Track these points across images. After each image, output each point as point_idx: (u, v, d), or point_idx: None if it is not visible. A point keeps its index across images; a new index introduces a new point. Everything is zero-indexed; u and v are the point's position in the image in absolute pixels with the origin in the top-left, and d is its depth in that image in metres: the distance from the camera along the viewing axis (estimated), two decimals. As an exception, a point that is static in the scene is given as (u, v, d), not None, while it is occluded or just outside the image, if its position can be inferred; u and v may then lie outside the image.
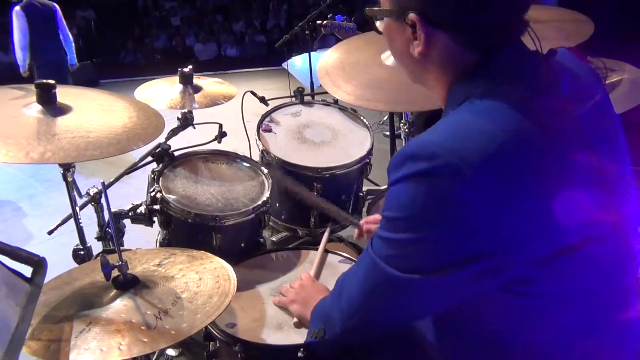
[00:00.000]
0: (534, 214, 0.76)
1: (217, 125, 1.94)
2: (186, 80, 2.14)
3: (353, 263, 1.57)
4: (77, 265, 1.66)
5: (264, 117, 2.10)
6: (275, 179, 1.79)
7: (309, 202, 1.65)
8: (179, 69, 2.16)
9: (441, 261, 0.79)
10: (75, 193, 1.63)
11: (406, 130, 2.38)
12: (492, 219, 0.75)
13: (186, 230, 1.69)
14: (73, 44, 5.61)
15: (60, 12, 5.41)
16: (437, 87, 0.93)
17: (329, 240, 1.77)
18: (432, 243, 0.79)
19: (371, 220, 1.45)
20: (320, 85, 2.16)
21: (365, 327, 0.96)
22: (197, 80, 2.19)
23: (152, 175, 1.74)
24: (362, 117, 2.15)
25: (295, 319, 1.30)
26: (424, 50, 0.87)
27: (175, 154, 1.81)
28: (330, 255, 1.62)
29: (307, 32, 3.28)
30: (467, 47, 0.86)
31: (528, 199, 0.76)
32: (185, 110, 1.90)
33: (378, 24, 0.98)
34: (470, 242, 0.77)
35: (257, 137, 2.00)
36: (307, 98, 2.26)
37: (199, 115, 1.95)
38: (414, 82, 1.01)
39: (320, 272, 1.52)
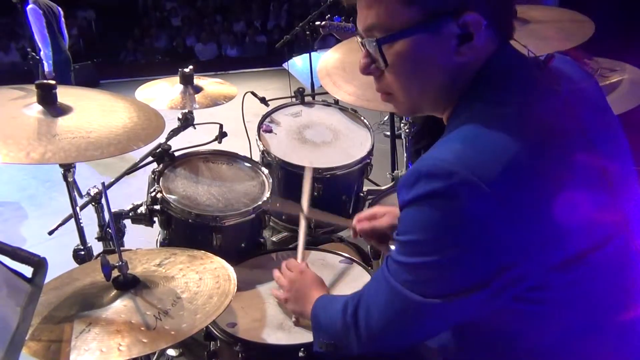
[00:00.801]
0: (547, 221, 0.75)
1: (218, 125, 1.94)
2: (187, 80, 2.13)
3: (353, 263, 1.57)
4: (77, 265, 1.66)
5: (264, 117, 2.10)
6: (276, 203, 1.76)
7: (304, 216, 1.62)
8: (180, 70, 2.16)
9: (465, 282, 0.78)
10: (75, 193, 1.63)
11: (407, 130, 2.37)
12: (510, 231, 0.74)
13: (186, 231, 1.69)
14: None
15: (62, 15, 5.43)
16: (448, 104, 0.89)
17: (330, 240, 1.77)
18: (454, 265, 0.77)
19: (363, 217, 1.41)
20: (321, 86, 2.16)
21: (385, 348, 0.94)
22: (198, 80, 2.19)
23: (153, 176, 1.74)
24: (362, 118, 2.15)
25: (294, 318, 1.30)
26: (477, 53, 0.82)
27: (176, 154, 1.81)
28: (330, 255, 1.62)
29: (307, 32, 3.28)
30: (495, 39, 0.84)
31: (542, 206, 0.75)
32: (186, 110, 1.90)
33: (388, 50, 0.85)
34: (491, 258, 0.76)
35: (257, 137, 2.00)
36: (307, 98, 2.26)
37: (199, 115, 1.95)
38: (417, 110, 0.93)
39: (305, 256, 1.51)
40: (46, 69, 5.24)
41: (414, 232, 0.80)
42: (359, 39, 0.91)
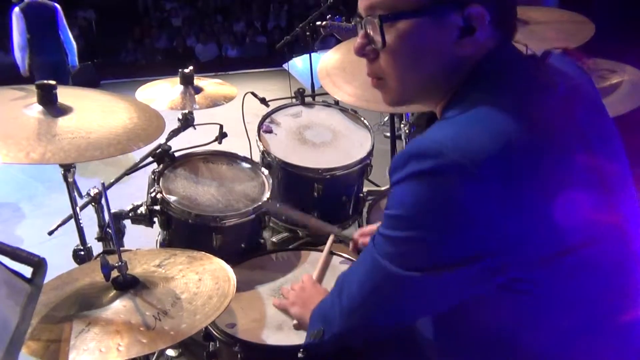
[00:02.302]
0: (536, 213, 0.76)
1: (218, 126, 1.95)
2: (187, 81, 2.13)
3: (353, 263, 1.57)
4: (77, 265, 1.66)
5: (264, 118, 2.10)
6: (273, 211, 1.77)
7: (303, 224, 1.65)
8: (180, 70, 2.15)
9: (444, 259, 0.79)
10: (75, 193, 1.63)
11: (407, 131, 2.38)
12: (496, 217, 0.75)
13: (186, 231, 1.69)
14: (75, 46, 5.61)
15: (61, 13, 5.41)
16: (442, 97, 0.90)
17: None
18: (436, 241, 0.78)
19: (367, 232, 1.42)
20: (321, 86, 2.16)
21: (365, 326, 0.95)
22: (198, 81, 2.19)
23: (153, 176, 1.75)
24: (362, 118, 2.15)
25: (295, 321, 1.30)
26: (477, 48, 0.83)
27: (176, 154, 1.81)
28: (330, 255, 1.62)
29: (307, 33, 3.28)
30: (496, 36, 0.84)
31: (530, 198, 0.75)
32: (186, 111, 1.90)
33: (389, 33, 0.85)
34: (473, 240, 0.76)
35: (257, 137, 2.00)
36: (307, 99, 2.26)
37: (199, 116, 1.96)
38: (407, 100, 0.93)
39: (323, 276, 1.52)
40: (21, 69, 5.30)
41: (400, 207, 0.81)
42: (357, 19, 0.91)
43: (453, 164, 0.73)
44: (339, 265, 1.57)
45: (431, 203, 0.77)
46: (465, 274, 0.79)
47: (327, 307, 1.03)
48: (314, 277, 1.44)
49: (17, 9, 5.13)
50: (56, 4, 5.37)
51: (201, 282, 1.19)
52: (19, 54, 5.27)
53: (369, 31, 0.88)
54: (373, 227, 1.43)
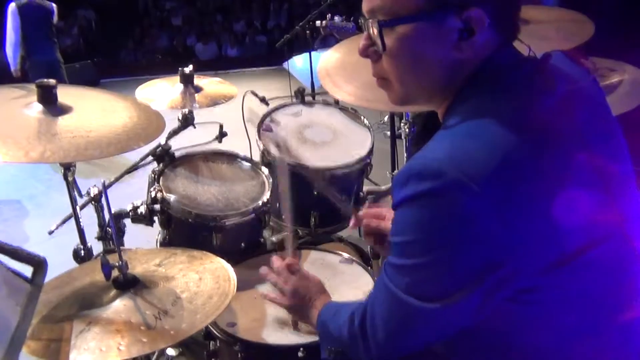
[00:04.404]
0: (540, 220, 0.75)
1: (218, 125, 1.95)
2: (187, 80, 2.14)
3: (354, 263, 1.57)
4: (77, 265, 1.66)
5: (264, 117, 2.10)
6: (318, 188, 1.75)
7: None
8: (180, 69, 2.16)
9: (458, 283, 0.78)
10: (75, 193, 1.63)
11: (406, 130, 2.38)
12: (501, 230, 0.74)
13: (186, 230, 1.69)
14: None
15: (55, 13, 5.37)
16: (444, 98, 0.89)
17: (330, 240, 1.77)
18: (446, 265, 0.77)
19: (371, 214, 1.38)
20: (321, 86, 2.16)
21: (393, 352, 0.93)
22: (198, 80, 2.19)
23: (153, 175, 1.75)
24: (362, 117, 2.15)
25: (292, 320, 1.29)
26: (476, 51, 0.82)
27: (176, 153, 1.81)
28: (330, 255, 1.62)
29: (307, 32, 3.28)
30: (497, 39, 0.84)
31: (533, 205, 0.75)
32: (186, 110, 1.90)
33: (389, 36, 0.85)
34: (481, 257, 0.76)
35: (257, 137, 2.00)
36: (307, 98, 2.26)
37: (199, 115, 1.96)
38: (410, 101, 0.93)
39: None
40: (12, 67, 5.23)
41: (405, 233, 0.80)
42: (362, 20, 0.91)
43: (453, 183, 0.73)
44: (339, 265, 1.57)
45: (434, 225, 0.76)
46: (480, 292, 0.77)
47: (345, 340, 0.98)
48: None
49: (13, 5, 5.04)
50: (53, 4, 5.33)
51: (201, 281, 1.19)
52: (11, 52, 5.18)
53: (371, 33, 0.88)
54: (376, 210, 1.38)
